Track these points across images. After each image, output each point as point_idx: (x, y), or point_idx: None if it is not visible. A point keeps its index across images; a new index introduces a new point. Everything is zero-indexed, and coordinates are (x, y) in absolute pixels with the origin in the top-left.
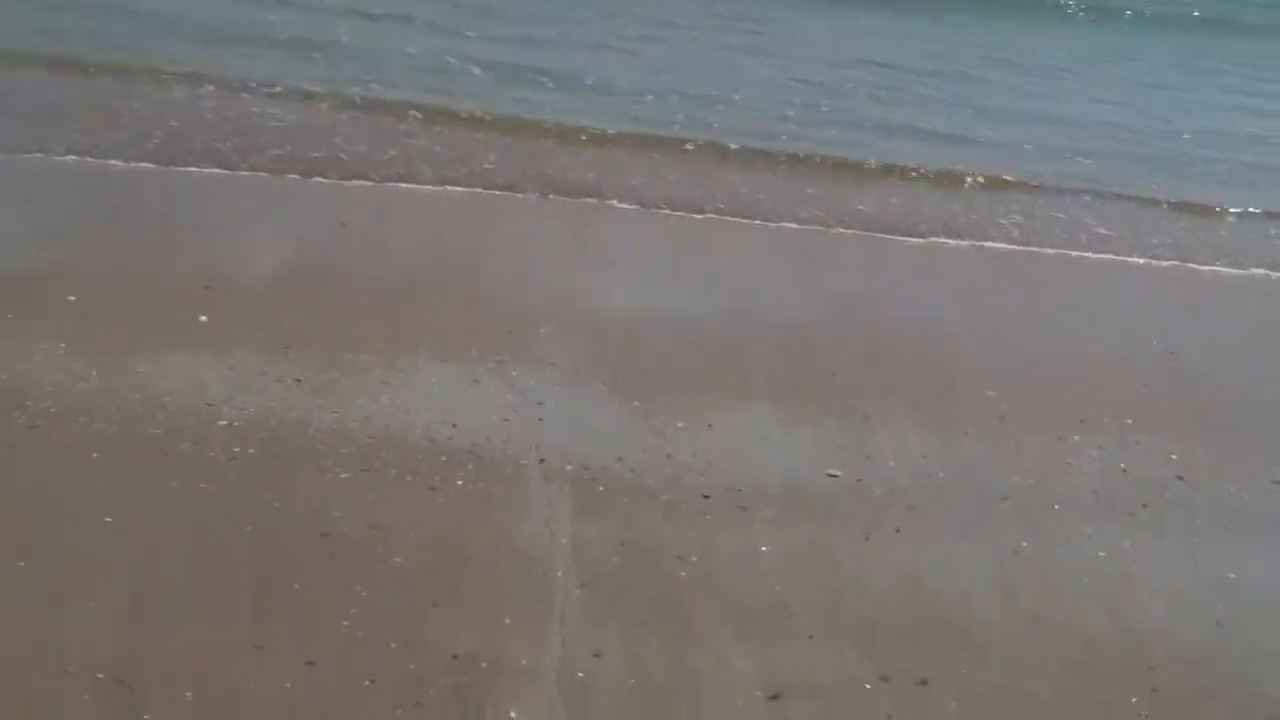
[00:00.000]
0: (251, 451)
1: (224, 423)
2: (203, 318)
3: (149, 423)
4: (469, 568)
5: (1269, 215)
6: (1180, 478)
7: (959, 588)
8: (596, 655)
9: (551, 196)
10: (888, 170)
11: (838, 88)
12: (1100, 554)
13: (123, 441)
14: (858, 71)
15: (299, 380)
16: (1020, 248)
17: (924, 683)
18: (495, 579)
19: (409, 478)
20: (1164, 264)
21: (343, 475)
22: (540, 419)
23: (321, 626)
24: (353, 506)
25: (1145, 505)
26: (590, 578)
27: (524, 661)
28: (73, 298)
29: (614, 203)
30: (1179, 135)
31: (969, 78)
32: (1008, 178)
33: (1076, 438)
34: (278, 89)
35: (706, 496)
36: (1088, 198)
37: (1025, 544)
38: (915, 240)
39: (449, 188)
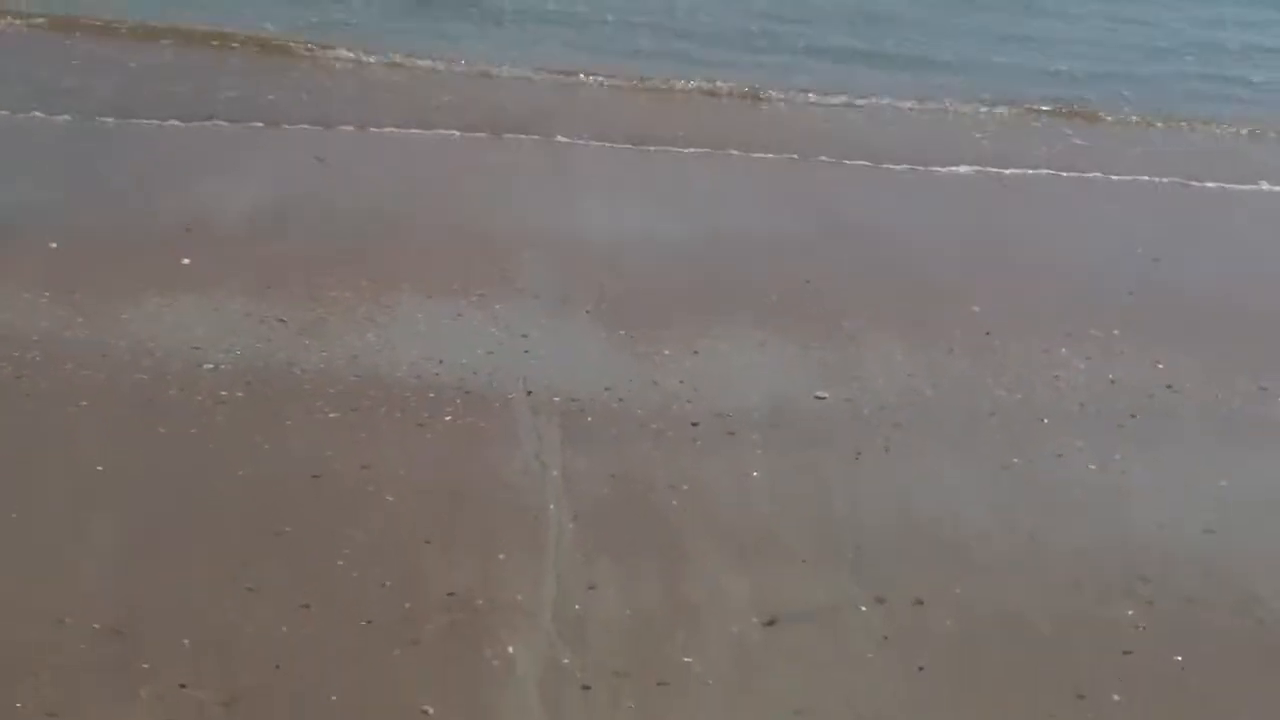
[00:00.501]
0: (240, 395)
1: (210, 366)
2: (185, 260)
3: (136, 369)
4: (461, 504)
5: (1254, 134)
6: (1169, 386)
7: (951, 506)
8: (591, 588)
9: (523, 136)
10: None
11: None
12: (1090, 467)
13: (110, 388)
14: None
15: (283, 320)
16: (1002, 170)
17: (920, 602)
18: (487, 515)
19: (397, 415)
20: (1147, 179)
21: (331, 415)
22: (526, 351)
23: (315, 568)
24: (343, 447)
25: (1134, 416)
26: (582, 510)
27: (519, 597)
28: (54, 244)
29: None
30: (1164, 51)
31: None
32: (985, 96)
33: (1063, 350)
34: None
35: (695, 423)
36: (1071, 117)
37: (1015, 460)
38: (895, 167)
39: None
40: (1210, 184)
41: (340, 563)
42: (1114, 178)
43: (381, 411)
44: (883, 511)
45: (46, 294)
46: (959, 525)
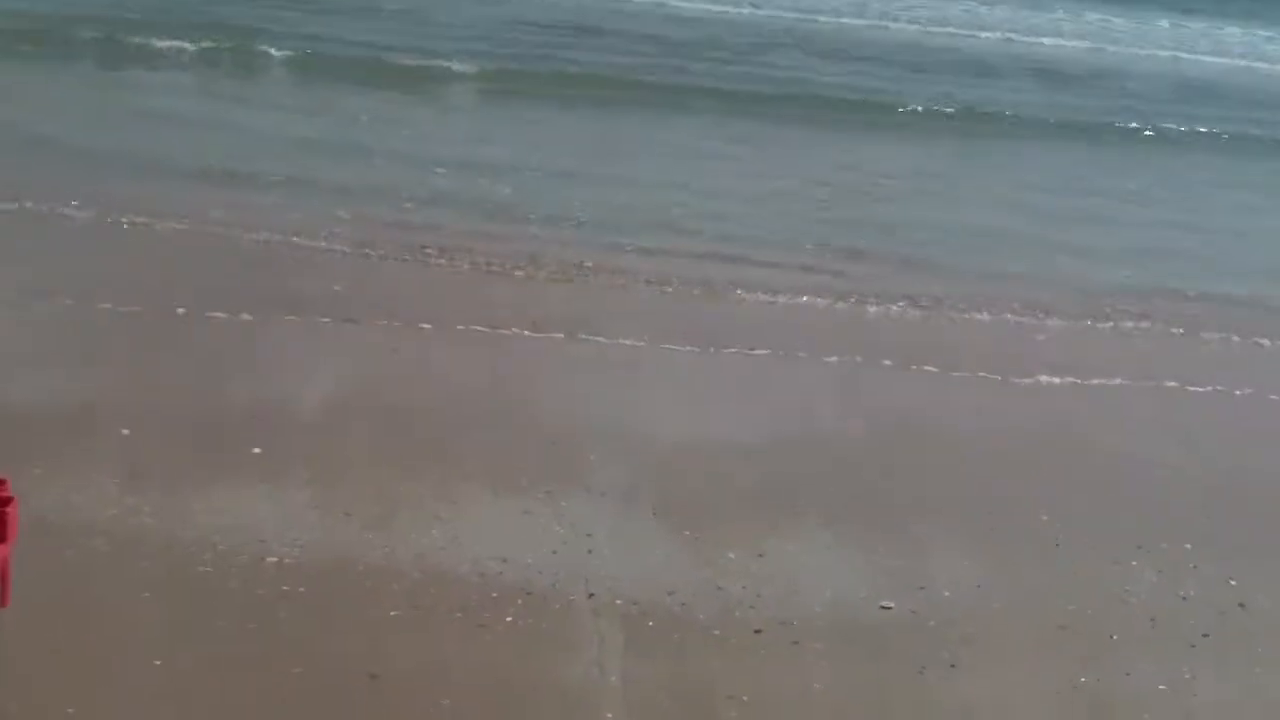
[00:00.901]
0: (301, 590)
1: (274, 559)
2: (255, 450)
3: (199, 561)
4: (517, 709)
5: None
6: (1241, 605)
7: None
8: None
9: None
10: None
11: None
12: (1160, 687)
13: (172, 580)
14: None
15: (349, 514)
16: (1073, 379)
17: None
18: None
19: (458, 615)
20: (1224, 389)
21: (393, 613)
22: (589, 551)
23: None
24: (402, 646)
25: (1205, 635)
26: (641, 718)
27: None
28: (126, 431)
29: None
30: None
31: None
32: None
33: (1134, 563)
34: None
35: (758, 631)
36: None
37: (1083, 678)
38: (962, 373)
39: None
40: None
41: None
42: (1190, 388)
43: (442, 610)
44: None
45: (116, 480)
46: None
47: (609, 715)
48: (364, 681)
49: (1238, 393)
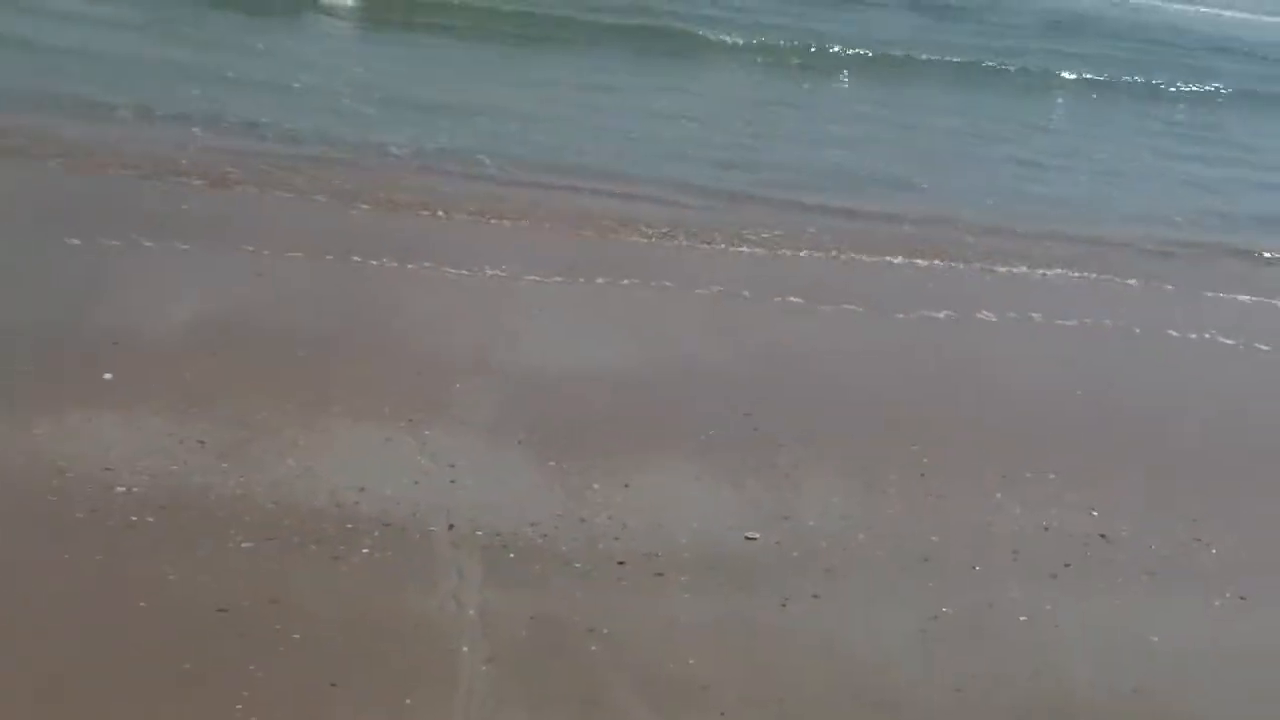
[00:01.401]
0: (150, 520)
1: (122, 489)
2: (107, 376)
3: (44, 489)
4: (370, 642)
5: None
6: (1103, 536)
7: (878, 657)
8: None
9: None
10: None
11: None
12: (1021, 618)
13: (15, 510)
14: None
15: (203, 442)
16: (939, 313)
17: None
18: (398, 655)
19: (312, 547)
20: (1092, 323)
21: (244, 545)
22: (452, 481)
23: (214, 710)
24: (253, 579)
25: (1067, 565)
26: (498, 653)
27: None
28: None
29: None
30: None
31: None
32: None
33: (999, 495)
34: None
35: (622, 563)
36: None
37: (946, 609)
38: (827, 308)
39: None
40: (1147, 330)
41: (239, 705)
42: (1059, 322)
43: (296, 542)
44: (809, 662)
45: None
46: (886, 677)
47: (465, 649)
48: (212, 616)
49: (1108, 323)
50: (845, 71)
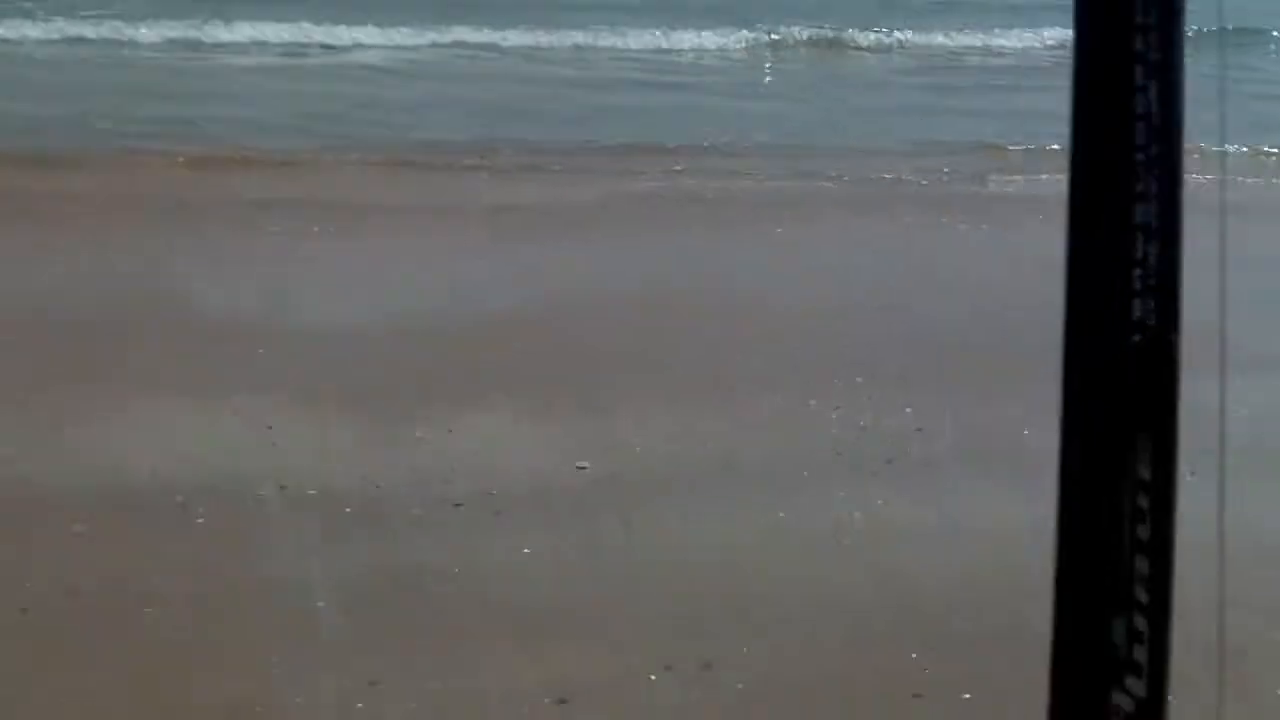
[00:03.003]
0: None
1: None
2: None
3: None
4: (225, 610)
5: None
6: (919, 430)
7: (726, 570)
8: (373, 683)
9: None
10: None
11: None
12: (856, 514)
13: None
14: None
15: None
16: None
17: (707, 666)
18: (256, 621)
19: (144, 524)
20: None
21: (76, 528)
22: (273, 444)
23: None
24: (93, 561)
25: (889, 461)
26: (353, 604)
27: (299, 699)
28: None
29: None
30: None
31: None
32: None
33: (812, 402)
34: None
35: (459, 505)
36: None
37: (782, 514)
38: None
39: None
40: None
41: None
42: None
43: (128, 521)
44: (661, 578)
45: None
46: (736, 586)
47: (320, 604)
48: (63, 599)
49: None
50: None
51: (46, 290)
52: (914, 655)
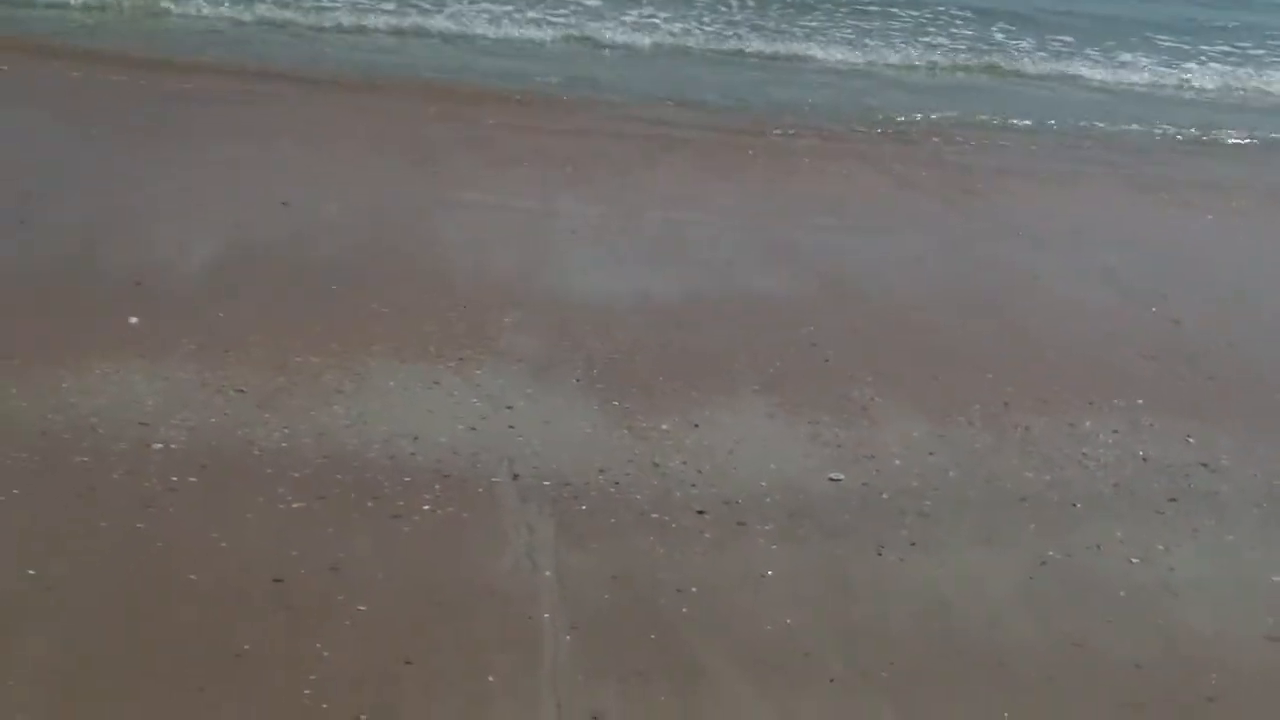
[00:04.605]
0: (192, 480)
1: (160, 445)
2: (133, 319)
3: (75, 449)
4: (444, 613)
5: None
6: (1204, 465)
7: (987, 610)
8: (596, 718)
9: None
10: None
11: None
12: (1133, 561)
13: (46, 472)
14: None
15: (242, 391)
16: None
17: None
18: (474, 626)
19: (369, 504)
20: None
21: (295, 505)
22: (511, 426)
23: (279, 696)
24: (309, 544)
25: (1173, 500)
26: (581, 619)
27: None
28: None
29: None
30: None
31: None
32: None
33: (1088, 423)
34: None
35: (701, 512)
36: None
37: (1051, 553)
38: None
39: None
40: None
41: (308, 690)
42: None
43: (351, 500)
44: (913, 617)
45: None
46: (998, 633)
47: (546, 616)
48: (268, 588)
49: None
50: None
51: None
52: None
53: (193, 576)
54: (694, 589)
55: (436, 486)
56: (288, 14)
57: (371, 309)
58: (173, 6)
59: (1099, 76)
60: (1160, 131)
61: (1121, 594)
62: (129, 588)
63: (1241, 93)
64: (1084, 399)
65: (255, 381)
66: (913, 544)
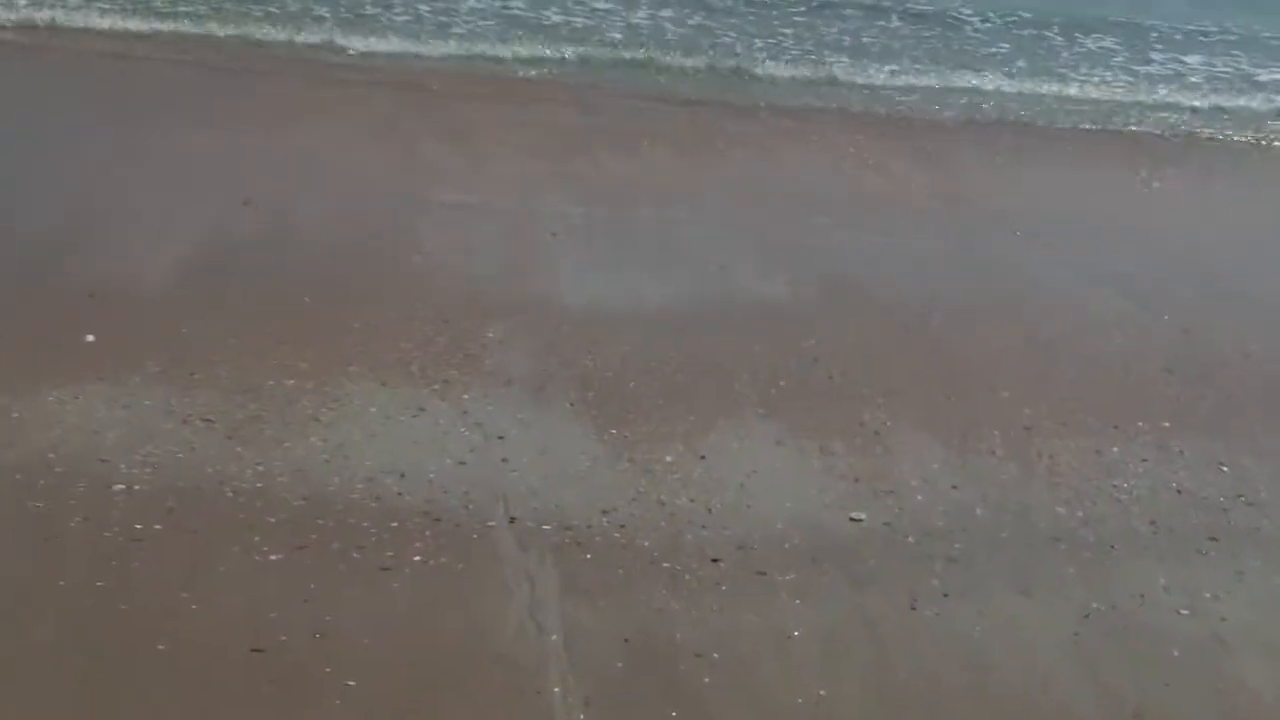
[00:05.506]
0: (158, 528)
1: (122, 487)
2: (89, 337)
3: (30, 492)
4: (443, 688)
5: None
6: (1241, 497)
7: (1035, 672)
8: None
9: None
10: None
11: None
12: (1182, 612)
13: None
14: None
15: (210, 420)
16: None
17: None
18: (478, 703)
19: (355, 555)
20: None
21: (273, 557)
22: (504, 460)
23: None
24: (290, 604)
25: (1213, 539)
26: (594, 693)
27: None
28: None
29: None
30: None
31: None
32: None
33: (1115, 449)
34: None
35: (716, 560)
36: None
37: (1095, 604)
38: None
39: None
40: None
41: None
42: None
43: (334, 550)
44: (956, 683)
45: None
46: (1048, 696)
47: (556, 690)
48: (246, 658)
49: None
50: None
51: None
52: None
53: (161, 646)
54: (715, 654)
55: (427, 533)
56: None
57: (346, 323)
58: None
59: None
60: None
61: (1175, 653)
62: (91, 659)
63: None
64: (1107, 421)
65: (224, 409)
66: (946, 595)
